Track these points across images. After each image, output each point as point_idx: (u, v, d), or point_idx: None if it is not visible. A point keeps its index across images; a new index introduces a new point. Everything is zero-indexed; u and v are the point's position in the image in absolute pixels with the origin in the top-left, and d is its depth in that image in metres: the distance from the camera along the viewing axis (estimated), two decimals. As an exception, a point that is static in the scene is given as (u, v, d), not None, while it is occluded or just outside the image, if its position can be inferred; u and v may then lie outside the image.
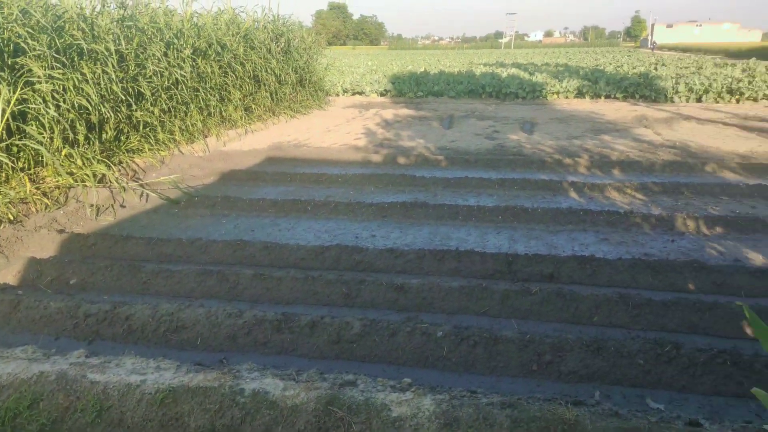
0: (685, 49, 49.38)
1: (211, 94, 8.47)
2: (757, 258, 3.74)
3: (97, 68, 6.06)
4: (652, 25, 77.27)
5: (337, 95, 15.41)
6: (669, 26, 77.21)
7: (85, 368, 2.35)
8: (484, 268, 3.65)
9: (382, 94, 15.26)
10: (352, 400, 2.16)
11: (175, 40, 8.00)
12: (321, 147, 7.96)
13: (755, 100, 12.31)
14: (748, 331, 2.78)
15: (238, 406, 2.16)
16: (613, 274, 3.50)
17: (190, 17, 9.03)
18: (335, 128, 9.85)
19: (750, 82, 12.91)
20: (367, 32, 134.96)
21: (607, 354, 2.57)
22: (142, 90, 6.84)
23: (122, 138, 6.62)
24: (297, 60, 11.80)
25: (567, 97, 13.67)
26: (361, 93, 15.53)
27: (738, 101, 12.30)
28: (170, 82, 7.49)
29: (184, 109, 7.91)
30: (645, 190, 5.39)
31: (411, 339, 2.77)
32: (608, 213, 4.61)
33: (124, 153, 6.46)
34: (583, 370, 2.54)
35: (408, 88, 14.97)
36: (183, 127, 7.88)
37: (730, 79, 13.43)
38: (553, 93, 13.75)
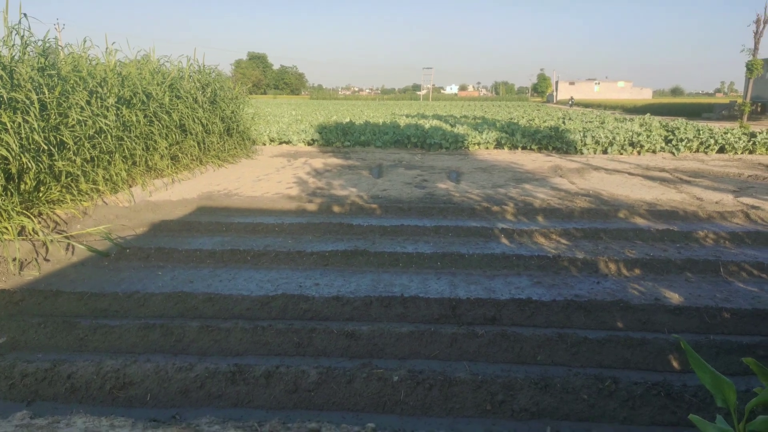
0: (587, 105, 53.62)
1: (136, 143, 8.27)
2: (673, 297, 4.10)
3: (17, 117, 5.80)
4: (557, 82, 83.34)
5: (264, 144, 15.41)
6: (571, 83, 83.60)
7: (33, 430, 2.21)
8: (430, 313, 3.77)
9: (309, 144, 15.42)
10: (319, 449, 2.17)
11: (99, 89, 7.82)
12: (253, 196, 7.93)
13: (654, 152, 13.53)
14: (675, 364, 3.04)
15: (202, 463, 2.11)
16: (550, 315, 3.72)
17: (114, 66, 8.87)
18: (266, 177, 9.84)
19: (648, 136, 14.19)
20: (288, 82, 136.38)
21: (554, 391, 2.72)
22: (64, 139, 6.59)
23: (42, 188, 6.31)
24: (224, 109, 11.78)
25: (487, 148, 14.41)
26: (288, 142, 15.62)
27: (639, 153, 13.47)
28: (94, 130, 7.26)
29: (108, 158, 7.67)
30: (568, 235, 5.77)
31: (368, 385, 2.81)
32: (538, 257, 4.90)
33: (44, 204, 6.16)
34: (534, 407, 2.67)
35: (335, 138, 15.24)
36: (107, 177, 7.62)
37: (630, 133, 14.70)
38: (474, 144, 14.45)
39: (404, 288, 4.34)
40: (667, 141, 14.23)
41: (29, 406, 2.71)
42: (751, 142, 13.52)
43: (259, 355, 3.25)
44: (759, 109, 29.17)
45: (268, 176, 9.99)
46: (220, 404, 2.76)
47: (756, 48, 20.22)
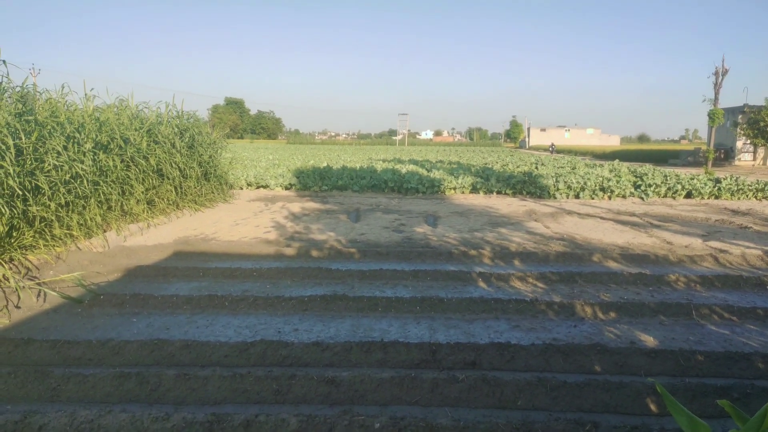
0: (559, 150, 55.06)
1: (112, 188, 8.21)
2: (648, 340, 4.17)
3: (-8, 161, 5.76)
4: (528, 128, 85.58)
5: (242, 188, 15.42)
6: (542, 130, 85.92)
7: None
8: (410, 358, 3.77)
9: (287, 188, 15.48)
10: (301, 500, 2.13)
11: (77, 134, 7.81)
12: (231, 241, 7.89)
13: (624, 197, 13.90)
14: (653, 407, 3.08)
15: None
16: (529, 358, 3.75)
17: (92, 112, 8.89)
18: (243, 221, 9.81)
19: (618, 181, 14.61)
20: (265, 126, 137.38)
21: (536, 435, 2.73)
22: (39, 184, 6.53)
23: (15, 234, 6.20)
24: (202, 154, 11.81)
25: (463, 192, 14.64)
26: (265, 186, 15.66)
27: (609, 198, 13.82)
28: (70, 175, 7.22)
29: (83, 203, 7.59)
30: (544, 279, 5.86)
31: (349, 433, 2.78)
32: (516, 301, 4.95)
33: (16, 250, 6.04)
34: (516, 452, 2.67)
35: (312, 182, 15.34)
36: (81, 222, 7.52)
37: (601, 179, 15.13)
38: (450, 188, 14.68)
39: (384, 333, 4.33)
40: (636, 186, 14.66)
41: (-2, 460, 2.61)
42: (716, 188, 14.00)
43: (238, 404, 3.19)
44: (722, 156, 30.32)
45: (246, 220, 9.97)
46: (197, 455, 2.69)
47: (716, 98, 21.17)
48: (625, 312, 4.77)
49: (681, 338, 4.22)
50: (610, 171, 18.57)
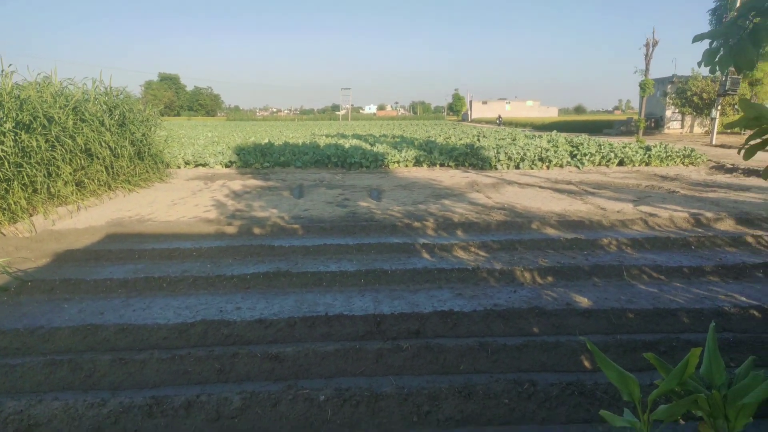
0: (505, 123, 55.95)
1: (37, 170, 7.76)
2: (583, 301, 4.33)
3: None
4: (470, 101, 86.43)
5: (179, 167, 14.92)
6: (484, 102, 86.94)
7: None
8: (355, 330, 3.78)
9: (227, 166, 15.08)
10: (245, 476, 2.10)
11: (-5, 113, 7.31)
12: (169, 221, 7.63)
13: (561, 166, 14.31)
14: (587, 364, 3.21)
15: (118, 503, 1.99)
16: (471, 325, 3.83)
17: (11, 89, 8.32)
18: (181, 201, 9.51)
19: (555, 152, 15.01)
20: (203, 103, 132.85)
21: (477, 397, 2.80)
22: (-46, 166, 6.09)
23: (-71, 220, 5.78)
24: (134, 132, 11.31)
25: (407, 166, 14.69)
26: (204, 165, 15.21)
27: (548, 167, 14.20)
28: (-11, 157, 6.77)
29: (6, 186, 7.16)
30: (486, 247, 5.98)
31: (294, 407, 2.77)
32: (459, 270, 5.03)
33: (-69, 237, 5.64)
34: (458, 415, 2.73)
35: (254, 159, 15.01)
36: (4, 206, 7.10)
37: (539, 149, 15.49)
38: (393, 162, 14.69)
39: (328, 307, 4.32)
40: (573, 156, 15.12)
41: None
42: (647, 155, 14.61)
43: (179, 385, 3.12)
44: (653, 125, 31.62)
45: (184, 200, 9.67)
46: (136, 439, 2.62)
47: (647, 69, 21.94)
48: (562, 276, 4.94)
49: (613, 298, 4.41)
50: (548, 142, 19.06)
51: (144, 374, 3.19)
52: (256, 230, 6.99)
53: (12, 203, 7.19)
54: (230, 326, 3.79)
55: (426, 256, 5.78)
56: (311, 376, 3.20)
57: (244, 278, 4.92)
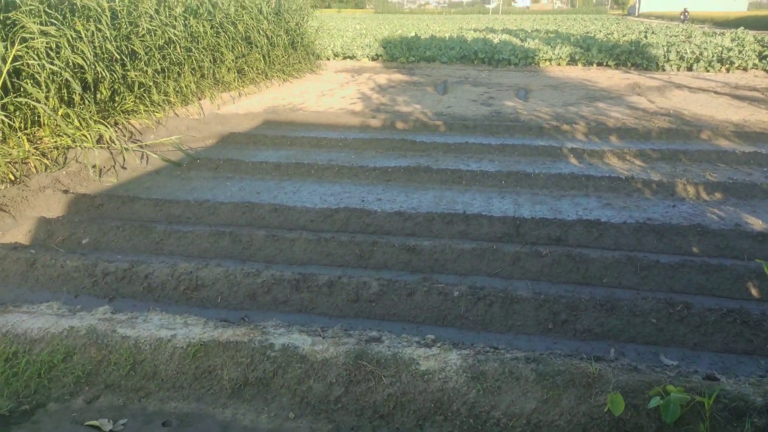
0: (673, 18, 49.18)
1: (203, 55, 8.32)
2: (756, 223, 3.85)
3: (90, 25, 5.90)
4: (641, -7, 76.59)
5: (328, 59, 15.19)
6: (657, -7, 76.59)
7: (113, 323, 2.38)
8: (492, 231, 3.72)
9: (373, 59, 15.07)
10: (380, 355, 2.23)
11: (166, -2, 7.80)
12: (318, 111, 7.90)
13: (745, 69, 12.40)
14: (754, 292, 2.89)
15: (270, 360, 2.22)
16: (619, 237, 3.59)
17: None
18: (329, 92, 9.76)
19: (740, 52, 12.97)
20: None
21: (621, 313, 2.66)
22: (135, 49, 6.69)
23: (117, 98, 6.50)
24: (288, 21, 11.59)
25: (559, 64, 13.63)
26: (352, 57, 15.32)
27: (728, 70, 12.39)
28: (163, 41, 7.33)
29: (178, 69, 7.77)
30: (643, 156, 5.47)
31: (428, 298, 2.84)
32: (609, 179, 4.68)
33: (119, 114, 6.36)
34: (598, 328, 2.63)
35: (400, 53, 14.80)
36: (177, 89, 7.75)
37: (720, 48, 13.48)
38: (545, 60, 13.70)
39: (467, 205, 4.28)
40: (762, 57, 12.94)
41: (111, 302, 2.91)
42: None
43: (322, 265, 3.33)
44: None
45: (332, 91, 9.91)
46: (285, 309, 2.87)
47: None
48: (733, 193, 4.40)
49: (795, 224, 3.86)
50: (732, 40, 16.49)
51: (293, 251, 3.44)
52: (399, 124, 7.01)
53: (183, 86, 7.83)
54: (371, 216, 3.91)
55: (573, 161, 5.44)
56: (446, 272, 3.24)
57: (385, 171, 5.00)
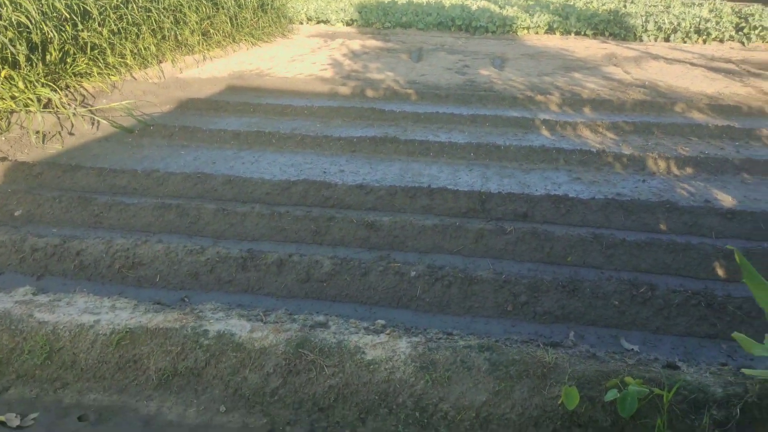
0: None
1: (164, 15, 7.88)
2: (726, 199, 3.74)
3: (36, -19, 5.49)
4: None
5: (301, 23, 14.68)
6: (638, -36, 76.15)
7: (32, 307, 2.17)
8: (457, 206, 3.55)
9: (348, 24, 14.61)
10: (324, 343, 2.06)
11: (123, -47, 7.32)
12: (285, 77, 7.58)
13: (721, 41, 12.29)
14: (720, 272, 2.78)
15: (202, 349, 2.04)
16: (587, 213, 3.45)
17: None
18: (300, 58, 9.39)
19: (717, 23, 12.85)
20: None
21: (583, 295, 2.54)
22: (88, 8, 6.28)
23: (68, 60, 6.10)
24: (258, -19, 11.09)
25: (537, 33, 13.37)
26: (326, 21, 14.83)
27: (705, 42, 12.27)
28: (119, 0, 6.91)
29: (136, 30, 7.34)
30: (616, 129, 5.33)
31: (383, 278, 2.67)
32: (580, 152, 4.53)
33: (71, 76, 5.98)
34: (558, 310, 2.50)
35: (375, 18, 14.36)
36: (135, 51, 7.34)
37: (698, 19, 13.33)
38: (523, 28, 13.41)
39: (432, 179, 4.09)
40: (738, 29, 12.84)
41: (38, 280, 2.69)
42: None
43: (274, 242, 3.14)
44: None
45: (303, 57, 9.54)
46: (229, 289, 2.68)
47: None
48: (704, 168, 4.29)
49: (765, 199, 3.76)
50: (710, 11, 16.36)
51: (244, 227, 3.23)
52: (369, 92, 6.75)
53: (142, 48, 7.42)
54: (331, 188, 3.71)
55: (545, 133, 5.28)
56: (405, 249, 3.07)
57: (351, 141, 4.78)
